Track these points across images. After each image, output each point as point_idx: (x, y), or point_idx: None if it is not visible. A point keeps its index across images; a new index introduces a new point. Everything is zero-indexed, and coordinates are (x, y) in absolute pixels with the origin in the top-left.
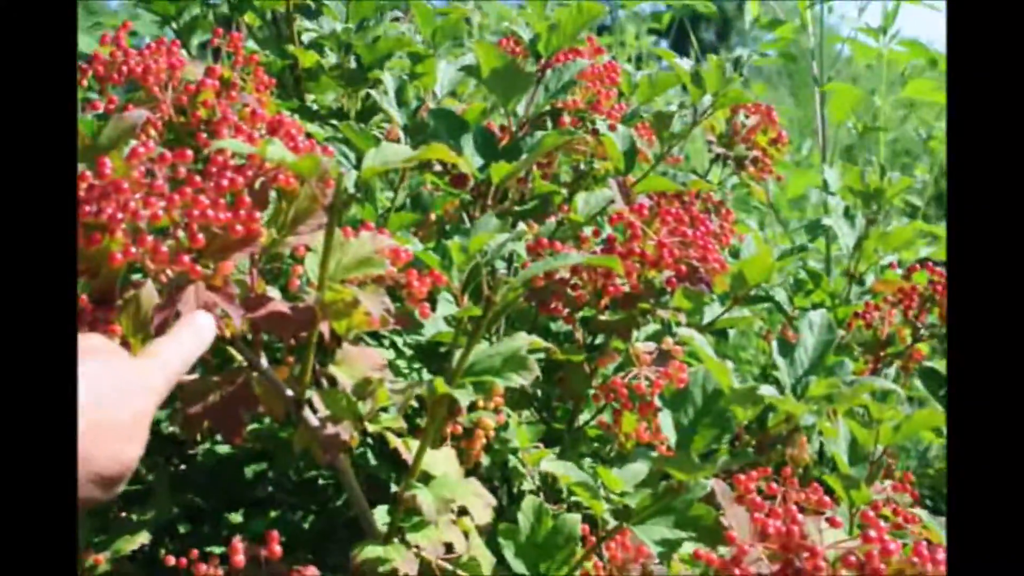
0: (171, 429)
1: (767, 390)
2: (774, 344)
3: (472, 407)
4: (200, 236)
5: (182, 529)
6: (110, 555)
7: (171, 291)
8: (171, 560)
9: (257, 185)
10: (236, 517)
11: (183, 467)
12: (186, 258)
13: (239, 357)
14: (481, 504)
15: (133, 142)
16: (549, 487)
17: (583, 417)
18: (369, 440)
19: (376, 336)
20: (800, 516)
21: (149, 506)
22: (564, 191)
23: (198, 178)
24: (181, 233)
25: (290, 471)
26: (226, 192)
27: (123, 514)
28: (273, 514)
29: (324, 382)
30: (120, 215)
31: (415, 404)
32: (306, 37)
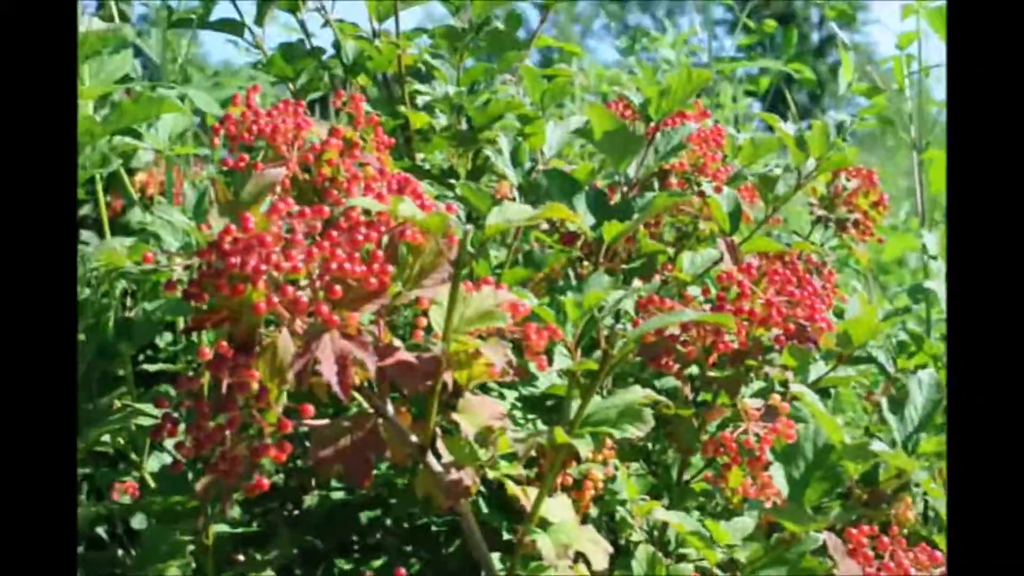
0: (280, 480)
1: (879, 446)
2: (883, 402)
3: (581, 459)
4: (337, 288)
5: (298, 572)
6: None
7: (308, 339)
8: None
9: (386, 241)
10: (345, 564)
11: (296, 512)
12: (324, 308)
13: (365, 404)
14: (599, 551)
15: (271, 198)
16: (657, 539)
17: (688, 473)
18: (482, 489)
19: (484, 388)
20: (912, 571)
21: (272, 547)
22: (669, 251)
23: (335, 233)
24: (319, 284)
25: (404, 518)
26: (360, 246)
27: (238, 556)
28: (378, 562)
29: (438, 431)
30: (263, 267)
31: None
32: (420, 100)
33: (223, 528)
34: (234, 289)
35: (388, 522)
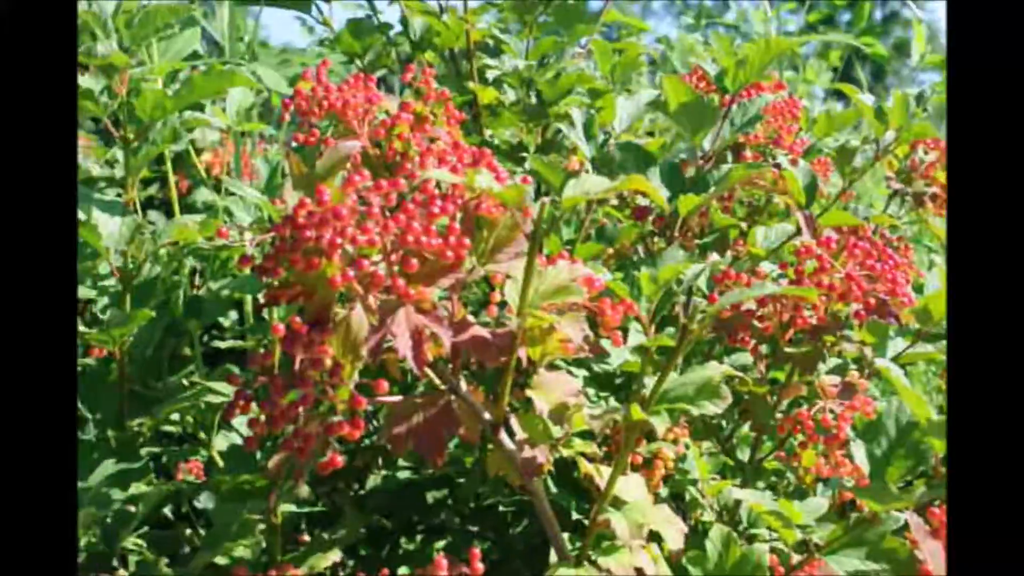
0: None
1: None
2: None
3: (651, 438)
4: (414, 262)
5: (363, 552)
6: (306, 570)
7: (383, 314)
8: None
9: (460, 215)
10: (409, 545)
11: (362, 492)
12: (400, 282)
13: (437, 381)
14: (674, 530)
15: (344, 172)
16: (728, 519)
17: (759, 451)
18: (549, 468)
19: (552, 366)
20: None
21: (339, 526)
22: (742, 225)
23: (411, 206)
24: (394, 258)
25: (470, 498)
26: (436, 219)
27: (305, 536)
28: (441, 543)
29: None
30: (339, 240)
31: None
32: (490, 75)
33: (290, 507)
34: (309, 263)
35: (454, 502)
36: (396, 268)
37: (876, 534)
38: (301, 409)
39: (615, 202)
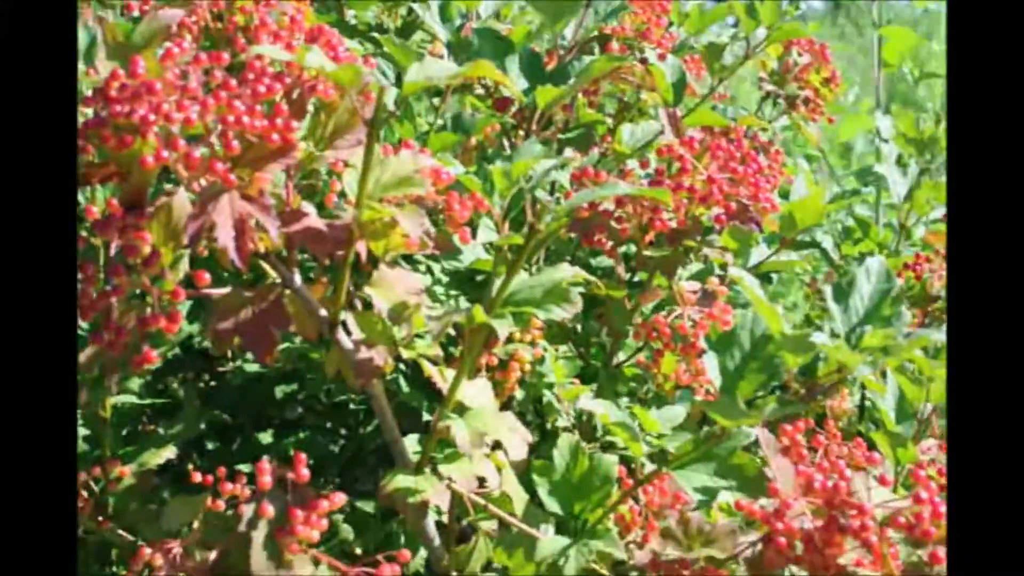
0: (204, 345)
1: (820, 337)
2: (827, 290)
3: (508, 339)
4: (235, 144)
5: (210, 446)
6: (136, 468)
7: (204, 199)
8: (198, 477)
9: (295, 95)
10: (265, 437)
11: (213, 384)
12: (220, 166)
13: (272, 273)
14: (517, 439)
15: (168, 43)
16: (584, 425)
17: (620, 356)
18: (402, 367)
19: (411, 261)
20: (848, 472)
21: (177, 420)
22: (609, 121)
23: (234, 83)
24: (215, 140)
25: (321, 394)
26: (263, 99)
27: (151, 427)
28: (301, 436)
29: (358, 305)
30: (152, 117)
31: (451, 333)
32: None
33: (128, 399)
34: (121, 141)
35: (304, 397)
36: (217, 151)
37: (725, 449)
38: (114, 300)
39: (481, 92)
